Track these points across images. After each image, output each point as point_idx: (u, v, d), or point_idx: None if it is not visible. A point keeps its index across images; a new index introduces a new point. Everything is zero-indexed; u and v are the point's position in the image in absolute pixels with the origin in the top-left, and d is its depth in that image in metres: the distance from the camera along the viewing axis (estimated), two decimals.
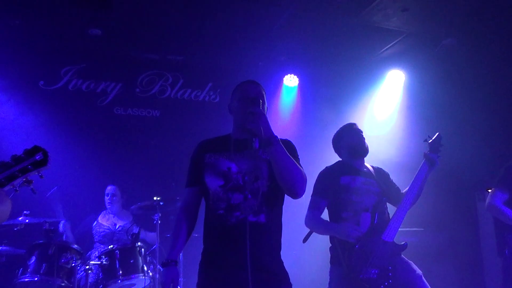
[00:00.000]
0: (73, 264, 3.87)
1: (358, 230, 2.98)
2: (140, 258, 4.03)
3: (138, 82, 5.54)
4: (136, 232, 4.18)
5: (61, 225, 4.50)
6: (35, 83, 5.17)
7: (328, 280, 3.17)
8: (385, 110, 5.98)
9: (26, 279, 3.76)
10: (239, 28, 4.86)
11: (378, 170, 3.42)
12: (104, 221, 4.71)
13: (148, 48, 5.44)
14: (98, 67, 5.39)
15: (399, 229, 3.15)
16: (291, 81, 5.88)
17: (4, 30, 4.79)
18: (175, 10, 4.50)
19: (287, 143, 2.28)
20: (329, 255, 3.21)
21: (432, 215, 5.14)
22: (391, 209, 3.32)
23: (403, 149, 5.31)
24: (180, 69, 5.68)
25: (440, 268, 4.89)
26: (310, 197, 3.24)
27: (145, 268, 4.00)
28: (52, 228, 4.06)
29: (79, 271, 3.98)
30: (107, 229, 4.64)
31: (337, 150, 3.46)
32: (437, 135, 3.35)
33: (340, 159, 3.43)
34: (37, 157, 1.76)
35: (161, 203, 4.38)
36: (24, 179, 1.75)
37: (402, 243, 3.16)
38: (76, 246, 4.06)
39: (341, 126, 3.47)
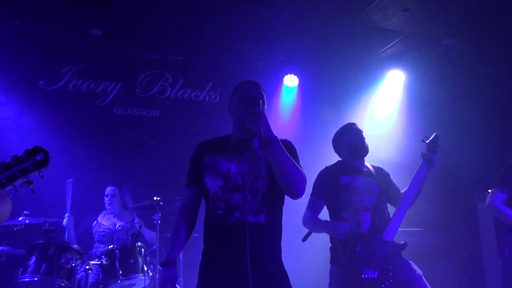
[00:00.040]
0: (73, 264, 3.87)
1: (346, 227, 2.97)
2: (140, 258, 4.03)
3: (138, 82, 5.54)
4: (138, 228, 4.19)
5: (65, 219, 4.49)
6: (35, 83, 5.17)
7: (328, 280, 3.17)
8: (385, 110, 5.98)
9: (26, 279, 3.76)
10: (239, 28, 4.87)
11: (378, 169, 3.42)
12: (104, 221, 4.71)
13: (148, 48, 5.44)
14: (98, 67, 5.39)
15: (399, 229, 3.16)
16: (291, 81, 5.87)
17: (4, 30, 4.79)
18: (175, 10, 4.50)
19: (287, 144, 2.28)
20: (329, 255, 3.22)
21: (432, 215, 5.14)
22: (391, 209, 3.32)
23: (403, 149, 5.31)
24: (180, 69, 5.68)
25: (440, 268, 4.90)
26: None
27: (145, 268, 4.00)
28: (52, 228, 4.05)
29: (79, 271, 3.98)
30: (107, 228, 4.64)
31: (337, 150, 3.47)
32: (434, 135, 3.37)
33: (340, 159, 3.43)
34: (37, 158, 1.76)
35: (161, 203, 4.38)
36: (24, 180, 1.75)
37: (402, 242, 3.18)
38: (76, 246, 4.06)
39: (341, 126, 3.47)
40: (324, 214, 3.26)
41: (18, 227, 4.03)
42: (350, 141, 3.34)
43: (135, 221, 4.64)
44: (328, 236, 3.21)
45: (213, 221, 2.20)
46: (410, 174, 3.36)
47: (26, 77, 5.14)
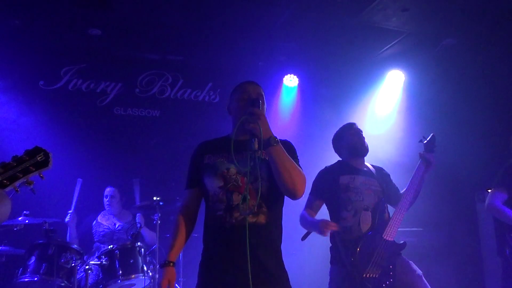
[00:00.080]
0: (73, 264, 3.87)
1: (330, 225, 2.95)
2: (140, 258, 4.03)
3: (138, 82, 5.55)
4: (138, 227, 4.19)
5: (68, 216, 4.49)
6: (35, 83, 5.18)
7: (328, 280, 3.17)
8: (385, 110, 5.98)
9: (26, 279, 3.76)
10: (239, 28, 4.86)
11: (379, 169, 3.43)
12: (104, 221, 4.71)
13: (148, 48, 5.44)
14: (98, 67, 5.39)
15: (399, 229, 3.17)
16: (291, 81, 5.88)
17: (4, 30, 4.79)
18: (175, 10, 4.50)
19: (287, 144, 2.28)
20: (329, 255, 3.22)
21: (431, 215, 5.14)
22: (390, 209, 3.33)
23: (403, 149, 5.31)
24: (180, 69, 5.68)
25: (440, 268, 4.90)
26: None
27: (145, 268, 4.00)
28: (52, 228, 4.05)
29: (79, 271, 3.98)
30: (107, 228, 4.64)
31: (337, 150, 3.47)
32: (432, 136, 3.38)
33: (340, 159, 3.44)
34: (38, 158, 1.76)
35: (161, 203, 4.38)
36: (25, 180, 1.75)
37: (401, 242, 3.18)
38: (76, 246, 4.06)
39: (341, 126, 3.47)
40: (325, 214, 3.26)
41: (18, 227, 4.02)
42: (350, 141, 3.34)
43: (137, 220, 4.63)
44: (328, 236, 3.21)
45: (213, 221, 2.20)
46: (410, 174, 3.37)
47: (26, 77, 5.14)
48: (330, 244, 3.22)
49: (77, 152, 5.01)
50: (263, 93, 2.33)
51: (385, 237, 3.08)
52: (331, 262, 3.18)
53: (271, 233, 2.21)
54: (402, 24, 4.74)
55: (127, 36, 5.06)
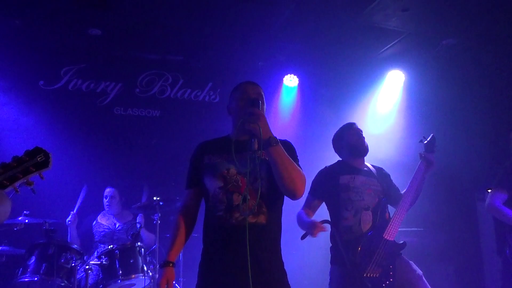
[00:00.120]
0: (73, 264, 3.87)
1: (318, 227, 2.91)
2: (140, 258, 4.03)
3: (138, 82, 5.55)
4: (138, 228, 4.19)
5: (70, 216, 4.48)
6: (35, 83, 5.18)
7: (328, 280, 3.17)
8: (385, 110, 5.98)
9: (26, 279, 3.76)
10: (239, 28, 4.87)
11: (379, 169, 3.43)
12: (104, 221, 4.71)
13: (148, 48, 5.44)
14: (98, 67, 5.39)
15: (399, 229, 3.17)
16: (291, 81, 5.88)
17: (4, 30, 4.79)
18: (175, 10, 4.50)
19: (286, 144, 2.28)
20: (329, 255, 3.22)
21: (432, 215, 5.14)
22: (391, 209, 3.33)
23: (403, 149, 5.31)
24: (180, 69, 5.68)
25: (440, 268, 4.90)
26: None
27: (145, 268, 4.00)
28: (52, 228, 4.05)
29: (79, 271, 3.98)
30: (107, 228, 4.64)
31: (337, 150, 3.47)
32: (432, 136, 3.38)
33: (340, 159, 3.44)
34: (38, 159, 1.76)
35: (161, 203, 4.38)
36: (25, 180, 1.75)
37: (401, 242, 3.18)
38: (76, 246, 4.06)
39: (341, 126, 3.47)
40: (325, 215, 3.26)
41: (18, 227, 4.02)
42: (350, 141, 3.35)
43: (137, 220, 4.64)
44: (328, 236, 3.22)
45: (213, 221, 2.20)
46: (410, 174, 3.37)
47: (26, 77, 5.14)
48: (330, 244, 3.22)
49: (77, 152, 5.01)
50: (263, 93, 2.33)
51: (385, 237, 3.09)
52: (331, 262, 3.18)
53: (271, 233, 2.21)
54: (402, 24, 4.74)
55: (127, 36, 5.06)
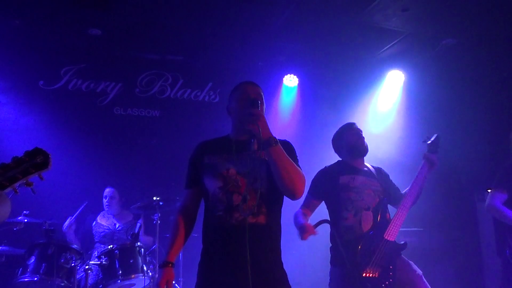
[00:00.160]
0: (72, 264, 3.87)
1: (308, 232, 2.87)
2: (139, 258, 4.03)
3: (138, 82, 5.54)
4: (137, 230, 4.19)
5: (67, 221, 4.47)
6: (35, 83, 5.17)
7: (329, 280, 3.17)
8: (384, 110, 5.98)
9: (26, 279, 3.76)
10: (239, 28, 4.86)
11: (378, 169, 3.43)
12: (104, 221, 4.70)
13: (148, 48, 5.44)
14: (98, 67, 5.39)
15: (399, 229, 3.17)
16: (291, 81, 5.87)
17: (4, 30, 4.79)
18: (175, 10, 4.50)
19: (286, 144, 2.28)
20: (329, 255, 3.22)
21: (432, 215, 5.14)
22: (391, 209, 3.32)
23: (403, 149, 5.32)
24: (179, 69, 5.68)
25: (440, 268, 4.90)
26: None
27: (145, 268, 4.00)
28: (52, 228, 4.05)
29: (79, 271, 3.98)
30: (107, 229, 4.64)
31: (337, 150, 3.47)
32: (436, 136, 3.37)
33: (340, 159, 3.43)
34: (38, 159, 1.76)
35: (161, 203, 4.38)
36: (24, 181, 1.75)
37: (402, 242, 3.18)
38: (75, 246, 4.06)
39: (341, 126, 3.47)
40: (324, 215, 3.26)
41: (18, 227, 4.02)
42: (350, 141, 3.34)
43: (138, 221, 4.64)
44: (328, 235, 3.22)
45: (212, 221, 2.20)
46: (409, 173, 3.36)
47: (26, 77, 5.14)
48: (330, 244, 3.22)
49: (77, 152, 5.01)
50: (262, 93, 2.32)
51: (386, 237, 3.08)
52: (331, 263, 3.18)
53: (271, 233, 2.21)
54: (402, 24, 4.74)
55: (127, 36, 5.06)
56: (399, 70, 5.74)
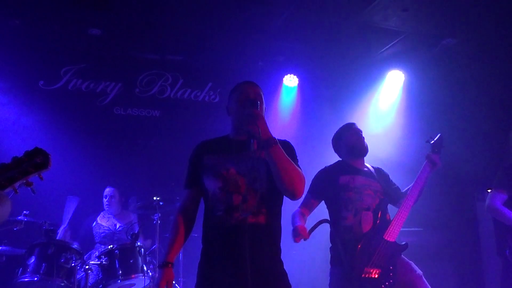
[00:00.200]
0: (72, 264, 3.87)
1: (301, 235, 2.86)
2: (139, 258, 4.03)
3: (138, 82, 5.54)
4: (137, 230, 4.19)
5: (60, 230, 4.46)
6: (35, 83, 5.18)
7: (329, 280, 3.17)
8: (384, 110, 5.98)
9: (26, 279, 3.76)
10: (238, 28, 4.86)
11: (378, 170, 3.42)
12: (104, 222, 4.70)
13: (148, 48, 5.44)
14: (97, 67, 5.39)
15: (400, 230, 3.16)
16: (291, 81, 5.87)
17: (4, 30, 4.79)
18: (175, 10, 4.50)
19: (286, 144, 2.27)
20: (329, 255, 3.21)
21: (431, 215, 5.14)
22: (391, 209, 3.32)
23: (403, 149, 5.31)
24: (179, 69, 5.68)
25: (440, 268, 4.90)
26: None
27: (145, 268, 4.00)
28: (52, 228, 4.05)
29: (79, 271, 3.98)
30: (107, 229, 4.64)
31: (337, 150, 3.47)
32: (439, 136, 3.35)
33: (340, 159, 3.43)
34: (37, 159, 1.76)
35: (161, 203, 4.39)
36: (24, 181, 1.75)
37: (403, 243, 3.17)
38: (76, 246, 4.05)
39: (341, 126, 3.47)
40: (324, 214, 3.26)
41: (18, 227, 4.02)
42: (350, 141, 3.34)
43: (134, 221, 4.64)
44: (328, 236, 3.22)
45: (212, 221, 2.20)
46: (409, 173, 3.36)
47: (26, 77, 5.14)
48: (330, 245, 3.22)
49: (77, 152, 5.01)
50: (262, 93, 2.32)
51: (386, 238, 3.08)
52: (331, 263, 3.18)
53: (271, 233, 2.21)
54: (402, 24, 4.74)
55: (127, 36, 5.06)
56: (399, 70, 5.73)
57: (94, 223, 4.70)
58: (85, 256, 4.30)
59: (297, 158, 2.30)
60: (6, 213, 1.88)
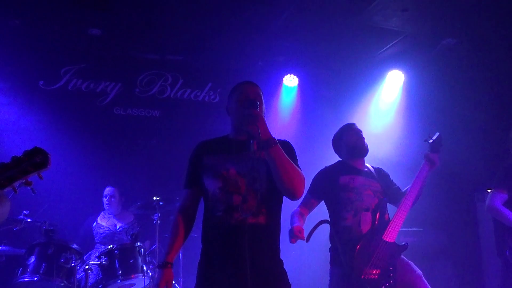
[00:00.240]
0: (72, 264, 3.87)
1: (297, 236, 2.83)
2: (139, 258, 4.03)
3: (138, 82, 5.54)
4: (137, 229, 4.19)
5: None
6: (35, 83, 5.17)
7: (328, 280, 3.17)
8: (384, 110, 5.98)
9: (26, 279, 3.76)
10: (238, 28, 4.86)
11: (378, 170, 3.42)
12: (104, 222, 4.70)
13: (148, 48, 5.44)
14: (97, 67, 5.39)
15: (399, 230, 3.16)
16: (291, 81, 5.87)
17: (4, 30, 4.79)
18: (175, 10, 4.50)
19: (285, 144, 2.27)
20: (329, 255, 3.21)
21: (431, 215, 5.14)
22: (391, 209, 3.32)
23: (403, 149, 5.31)
24: (179, 69, 5.68)
25: (440, 268, 4.90)
26: None
27: (145, 268, 4.00)
28: (52, 228, 4.05)
29: (79, 271, 3.98)
30: (107, 229, 4.64)
31: (337, 150, 3.47)
32: (438, 135, 3.34)
33: (340, 159, 3.43)
34: (37, 159, 1.76)
35: (161, 203, 4.39)
36: (23, 181, 1.75)
37: (403, 243, 3.16)
38: (75, 246, 4.06)
39: (341, 126, 3.47)
40: (324, 214, 3.26)
41: (18, 227, 4.02)
42: (350, 141, 3.34)
43: (134, 222, 4.65)
44: (328, 236, 3.21)
45: (212, 221, 2.20)
46: (409, 173, 3.36)
47: (26, 77, 5.14)
48: (330, 245, 3.22)
49: (77, 152, 5.01)
50: (262, 93, 2.32)
51: (385, 238, 3.08)
52: (330, 263, 3.18)
53: (271, 234, 2.21)
54: (402, 24, 4.74)
55: (127, 36, 5.06)
56: (399, 70, 5.73)
57: (95, 224, 4.70)
58: (85, 256, 4.30)
59: (297, 158, 2.30)
60: (5, 212, 1.89)
